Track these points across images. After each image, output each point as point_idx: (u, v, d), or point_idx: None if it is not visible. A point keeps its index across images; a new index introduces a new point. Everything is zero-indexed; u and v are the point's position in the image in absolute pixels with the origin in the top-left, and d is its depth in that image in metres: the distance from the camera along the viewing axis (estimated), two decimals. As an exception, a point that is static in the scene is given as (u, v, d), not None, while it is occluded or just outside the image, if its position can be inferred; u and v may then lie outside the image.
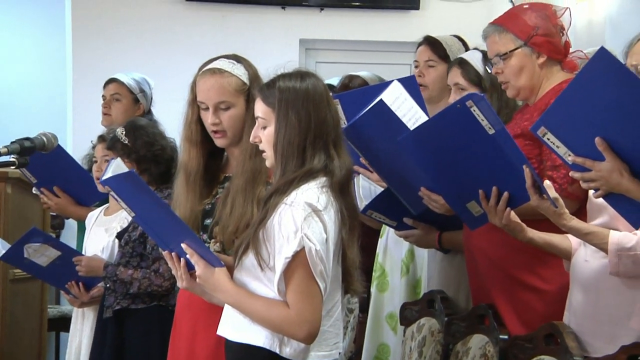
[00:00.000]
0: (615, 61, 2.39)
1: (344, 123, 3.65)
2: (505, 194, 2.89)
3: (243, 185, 2.97)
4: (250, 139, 2.78)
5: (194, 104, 3.14)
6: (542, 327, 2.99)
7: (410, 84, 3.53)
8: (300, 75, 2.71)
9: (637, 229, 2.67)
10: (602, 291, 2.86)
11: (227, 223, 2.95)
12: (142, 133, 4.07)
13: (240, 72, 3.11)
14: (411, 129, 3.06)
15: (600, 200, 2.62)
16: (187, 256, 2.70)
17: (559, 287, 3.09)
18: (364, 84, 4.70)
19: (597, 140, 2.46)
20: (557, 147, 2.55)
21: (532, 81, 3.30)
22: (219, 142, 3.13)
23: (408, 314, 3.75)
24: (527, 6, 3.36)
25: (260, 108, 2.72)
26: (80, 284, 4.16)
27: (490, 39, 3.34)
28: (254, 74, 3.12)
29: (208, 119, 3.09)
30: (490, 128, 2.77)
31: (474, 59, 3.69)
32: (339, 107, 3.61)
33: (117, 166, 3.34)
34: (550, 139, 2.54)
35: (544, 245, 3.01)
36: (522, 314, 3.23)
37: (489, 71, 3.44)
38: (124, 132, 4.07)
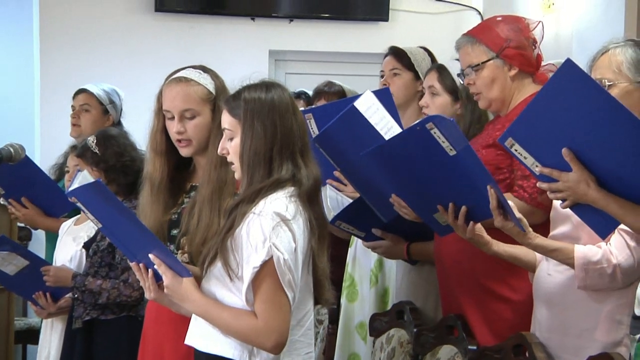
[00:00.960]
0: (581, 73, 2.41)
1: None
2: (463, 208, 2.88)
3: (209, 196, 2.96)
4: (218, 150, 2.78)
5: (160, 114, 3.13)
6: (511, 338, 3.00)
7: (385, 96, 3.56)
8: (266, 85, 2.72)
9: (604, 239, 2.69)
10: (567, 304, 2.88)
11: (194, 234, 2.95)
12: (113, 143, 4.06)
13: (206, 81, 3.11)
14: (384, 137, 3.07)
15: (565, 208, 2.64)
16: (155, 267, 2.69)
17: (529, 297, 3.10)
18: (341, 90, 4.75)
19: (564, 151, 2.48)
20: (525, 158, 2.56)
21: (503, 93, 3.32)
22: (183, 151, 3.12)
23: (377, 325, 3.76)
24: (500, 19, 3.39)
25: (226, 120, 2.72)
26: (48, 294, 4.13)
27: (462, 50, 3.37)
28: (220, 85, 3.12)
29: (173, 127, 3.09)
30: (451, 149, 2.77)
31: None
32: (312, 121, 3.63)
33: (84, 177, 3.33)
34: (518, 150, 2.56)
35: (508, 258, 3.03)
36: (491, 323, 3.25)
37: (462, 82, 3.46)
38: (94, 141, 4.06)
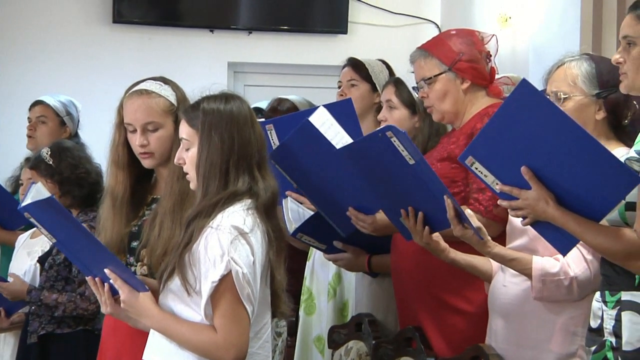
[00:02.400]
0: (536, 92, 2.44)
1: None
2: (420, 214, 2.92)
3: (171, 208, 2.95)
4: (175, 160, 2.77)
5: (121, 127, 3.12)
6: (468, 350, 3.02)
7: (347, 107, 3.58)
8: (225, 97, 2.71)
9: (564, 255, 2.72)
10: (522, 315, 2.91)
11: (155, 246, 2.93)
12: (68, 155, 4.03)
13: (167, 93, 3.10)
14: None
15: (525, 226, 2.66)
16: (111, 281, 2.67)
17: (484, 308, 3.12)
18: (293, 107, 4.73)
19: (522, 169, 2.50)
20: (485, 176, 2.59)
21: (456, 106, 3.35)
22: (146, 162, 3.10)
23: (336, 337, 3.75)
24: (454, 32, 3.42)
25: (184, 130, 2.71)
26: (1, 309, 4.09)
27: (416, 64, 3.39)
28: (181, 96, 3.11)
29: (136, 140, 3.07)
30: (410, 158, 2.80)
31: (412, 81, 3.74)
32: (273, 132, 3.63)
33: (37, 192, 3.29)
34: (478, 168, 2.58)
35: (466, 266, 3.05)
36: (447, 335, 3.26)
37: (416, 95, 3.48)
38: (49, 153, 4.03)
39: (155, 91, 3.08)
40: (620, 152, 2.67)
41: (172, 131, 3.06)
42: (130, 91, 3.11)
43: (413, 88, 3.54)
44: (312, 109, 3.92)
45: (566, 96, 2.80)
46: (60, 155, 4.02)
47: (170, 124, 3.08)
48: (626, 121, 2.80)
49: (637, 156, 2.45)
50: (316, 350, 4.06)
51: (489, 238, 2.84)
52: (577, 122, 2.45)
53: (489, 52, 3.38)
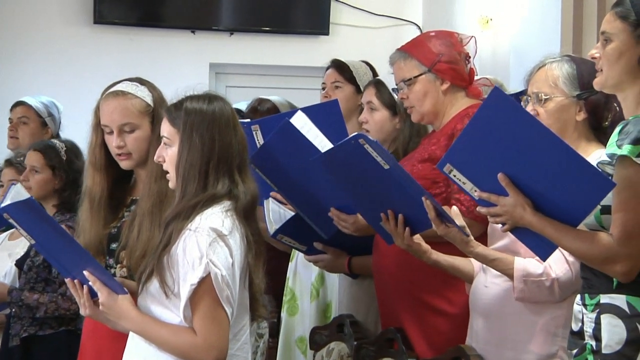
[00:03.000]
0: (508, 100, 2.46)
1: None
2: (400, 217, 2.93)
3: (150, 209, 2.94)
4: (155, 158, 2.76)
5: (98, 128, 3.11)
6: (450, 351, 3.03)
7: (333, 108, 3.59)
8: (209, 98, 2.70)
9: (544, 261, 2.73)
10: (503, 316, 2.91)
11: (134, 247, 2.92)
12: (80, 160, 4.04)
13: (144, 93, 3.09)
14: (322, 151, 3.09)
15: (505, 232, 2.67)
16: (90, 283, 2.67)
17: (465, 309, 3.12)
18: (273, 107, 4.73)
19: (499, 176, 2.51)
20: (464, 183, 2.60)
21: (435, 106, 3.36)
22: (123, 164, 3.09)
23: (317, 339, 3.75)
24: (433, 34, 3.43)
25: (165, 128, 2.71)
26: (-18, 311, 4.08)
27: (396, 65, 3.41)
28: (158, 96, 3.10)
29: (112, 142, 3.06)
30: (385, 163, 2.81)
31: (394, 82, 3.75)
32: (259, 133, 3.63)
33: (17, 193, 3.29)
34: (457, 175, 2.59)
35: (448, 267, 3.05)
36: (429, 336, 3.27)
37: (396, 97, 3.49)
38: (64, 148, 4.04)
39: (131, 92, 3.07)
40: (600, 154, 2.68)
41: (149, 132, 3.05)
42: (107, 92, 3.10)
43: (393, 89, 3.55)
44: (295, 110, 3.93)
45: (547, 97, 2.81)
46: (74, 154, 4.04)
47: (146, 125, 3.07)
48: (606, 123, 2.82)
49: (609, 159, 2.46)
50: (299, 351, 4.06)
51: (472, 238, 2.85)
52: (549, 129, 2.48)
53: (468, 53, 3.40)
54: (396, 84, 3.43)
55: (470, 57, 3.40)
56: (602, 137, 2.83)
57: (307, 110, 3.73)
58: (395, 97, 3.65)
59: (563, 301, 2.81)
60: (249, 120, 4.02)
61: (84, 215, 3.11)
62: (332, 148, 2.99)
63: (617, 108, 2.78)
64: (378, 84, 3.81)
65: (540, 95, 2.82)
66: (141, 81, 3.14)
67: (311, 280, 4.03)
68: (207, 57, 7.07)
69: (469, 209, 3.11)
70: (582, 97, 2.80)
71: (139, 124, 3.05)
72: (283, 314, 4.12)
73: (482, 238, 3.05)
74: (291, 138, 3.10)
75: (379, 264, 3.41)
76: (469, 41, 3.40)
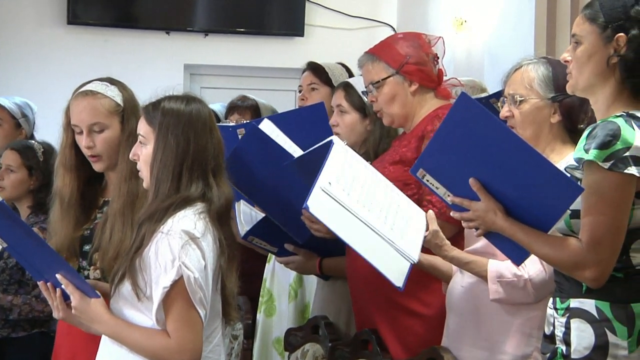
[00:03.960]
0: (476, 105, 2.46)
1: None
2: None
3: (121, 209, 2.93)
4: (130, 155, 2.75)
5: (68, 128, 3.10)
6: (425, 352, 3.03)
7: (319, 110, 3.60)
8: (187, 99, 2.70)
9: (518, 266, 2.74)
10: (479, 317, 2.92)
11: (106, 249, 2.91)
12: (54, 160, 4.04)
13: (113, 93, 3.08)
14: (294, 155, 3.09)
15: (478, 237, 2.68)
16: (63, 286, 2.66)
17: (440, 311, 3.13)
18: (255, 105, 4.76)
19: (471, 181, 2.52)
20: (437, 188, 2.60)
21: (405, 109, 3.37)
22: (96, 166, 3.08)
23: (292, 340, 3.75)
24: (401, 35, 3.45)
25: (142, 126, 2.70)
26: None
27: (364, 68, 3.41)
28: (128, 97, 3.10)
29: (83, 142, 3.06)
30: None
31: (359, 84, 3.74)
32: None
33: None
34: (430, 180, 2.60)
35: (428, 267, 3.06)
36: (404, 338, 3.27)
37: (366, 99, 3.50)
38: (41, 150, 4.02)
39: (100, 92, 3.07)
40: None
41: (119, 132, 3.05)
42: (76, 92, 3.09)
43: (362, 92, 3.55)
44: (285, 113, 3.97)
45: (522, 99, 2.83)
46: (51, 157, 4.04)
47: (116, 125, 3.06)
48: (581, 126, 2.83)
49: (576, 164, 2.47)
50: (275, 353, 4.06)
51: (447, 242, 2.86)
52: (517, 134, 2.49)
53: (436, 54, 3.41)
54: (365, 87, 3.44)
55: (438, 58, 3.41)
56: (578, 139, 2.84)
57: (293, 114, 3.77)
58: (365, 99, 3.65)
59: (539, 302, 2.83)
60: (234, 123, 4.03)
61: (55, 216, 3.10)
62: (306, 152, 2.99)
63: (591, 109, 2.80)
64: (347, 87, 3.80)
65: (515, 96, 2.84)
66: (112, 81, 3.13)
67: (289, 281, 4.03)
68: (182, 58, 7.06)
69: (440, 211, 3.11)
70: (557, 99, 2.81)
71: (108, 123, 3.05)
72: (260, 315, 4.11)
73: (458, 238, 3.06)
74: (261, 143, 3.10)
75: (353, 265, 3.41)
76: (437, 42, 3.41)
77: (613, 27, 2.48)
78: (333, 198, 2.60)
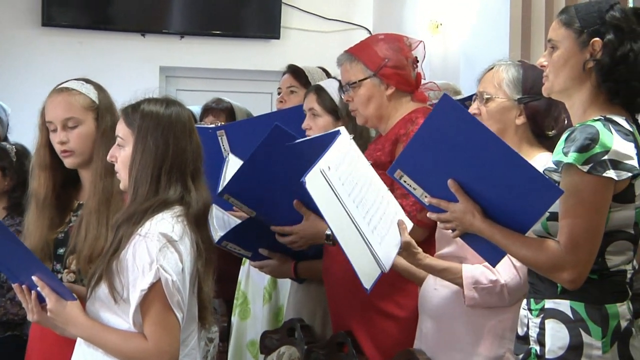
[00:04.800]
0: (457, 107, 2.48)
1: (227, 154, 3.65)
2: None
3: (96, 207, 2.93)
4: (107, 156, 2.75)
5: (43, 128, 3.10)
6: (400, 354, 3.04)
7: (298, 113, 3.67)
8: (166, 102, 2.70)
9: (494, 267, 2.75)
10: (452, 319, 2.94)
11: (82, 248, 2.91)
12: (28, 160, 4.02)
13: (88, 91, 3.08)
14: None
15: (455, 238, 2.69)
16: (38, 289, 2.64)
17: (414, 313, 3.14)
18: (230, 107, 4.76)
19: (449, 182, 2.53)
20: (414, 189, 2.61)
21: (379, 111, 3.37)
22: (67, 161, 3.07)
23: (268, 343, 3.75)
24: (381, 37, 3.44)
25: (120, 128, 2.69)
26: None
27: (342, 67, 3.42)
28: (104, 96, 3.10)
29: (56, 138, 3.05)
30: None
31: (331, 87, 3.75)
32: (224, 138, 3.62)
33: None
34: (407, 181, 2.60)
35: (402, 270, 3.06)
36: (379, 340, 3.27)
37: (342, 98, 3.50)
38: (14, 150, 4.05)
39: (76, 89, 3.08)
40: (543, 158, 2.72)
41: (93, 129, 3.05)
42: (52, 91, 3.10)
43: (339, 90, 3.55)
44: (266, 115, 3.96)
45: (489, 96, 2.87)
46: (24, 158, 4.02)
47: (90, 121, 3.06)
48: (550, 133, 2.86)
49: (555, 167, 2.49)
50: (250, 355, 4.06)
51: (420, 250, 2.87)
52: (498, 136, 2.50)
53: (415, 58, 3.41)
54: (342, 86, 3.44)
55: (417, 62, 3.41)
56: (546, 144, 2.87)
57: (279, 114, 3.75)
58: (337, 101, 3.66)
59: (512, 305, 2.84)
60: (213, 126, 4.02)
61: (30, 217, 3.09)
62: (314, 137, 3.01)
63: (566, 120, 2.82)
64: (319, 90, 3.79)
65: (484, 94, 2.89)
66: (87, 81, 3.14)
67: (264, 284, 4.03)
68: (158, 61, 7.04)
69: (411, 214, 3.12)
70: (523, 101, 2.85)
71: (82, 119, 3.05)
72: (234, 318, 4.11)
73: (427, 243, 3.07)
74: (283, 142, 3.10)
75: (328, 268, 3.41)
76: (417, 46, 3.41)
77: (589, 32, 2.52)
78: (328, 183, 2.60)
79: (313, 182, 2.56)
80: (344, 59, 3.42)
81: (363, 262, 2.67)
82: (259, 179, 3.23)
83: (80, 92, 3.06)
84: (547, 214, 2.47)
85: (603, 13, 2.52)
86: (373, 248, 2.67)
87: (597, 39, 2.51)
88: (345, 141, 2.82)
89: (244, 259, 4.08)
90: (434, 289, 3.00)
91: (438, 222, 2.64)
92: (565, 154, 2.44)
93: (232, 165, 3.57)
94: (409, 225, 2.88)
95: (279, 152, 3.08)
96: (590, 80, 2.53)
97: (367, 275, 2.68)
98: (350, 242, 2.65)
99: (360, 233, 2.65)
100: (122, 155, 2.68)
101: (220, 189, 3.38)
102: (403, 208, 3.12)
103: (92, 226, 2.90)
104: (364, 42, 3.49)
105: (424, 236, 3.11)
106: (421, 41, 3.44)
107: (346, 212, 2.63)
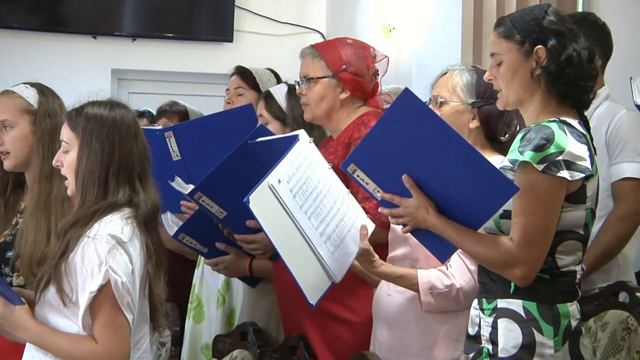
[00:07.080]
0: (418, 102, 2.49)
1: (176, 155, 3.63)
2: None
3: (33, 210, 2.94)
4: (53, 161, 2.73)
5: None
6: (353, 358, 3.05)
7: (248, 113, 3.59)
8: (110, 104, 2.69)
9: (443, 263, 2.77)
10: (406, 324, 2.95)
11: (22, 251, 2.90)
12: None
13: (29, 94, 3.10)
14: None
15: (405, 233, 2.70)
16: (-14, 294, 2.62)
17: (368, 318, 3.15)
18: (184, 110, 4.75)
19: (404, 177, 2.55)
20: (367, 183, 2.62)
21: (330, 112, 3.39)
22: (5, 163, 3.11)
23: (221, 346, 3.74)
24: (350, 41, 3.47)
25: (65, 132, 2.68)
26: None
27: (304, 60, 3.44)
28: (46, 100, 3.10)
29: None
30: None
31: (279, 93, 3.76)
32: (172, 140, 3.61)
33: None
34: (360, 175, 2.61)
35: (358, 272, 3.07)
36: (332, 344, 3.28)
37: (285, 109, 3.52)
38: None
39: (16, 92, 3.11)
40: (496, 160, 2.74)
41: (28, 132, 3.08)
42: None
43: (295, 81, 3.55)
44: (215, 114, 3.95)
45: (443, 100, 2.91)
46: None
47: (24, 124, 3.09)
48: (502, 138, 2.90)
49: (511, 165, 2.52)
50: (204, 358, 4.05)
51: (376, 257, 2.87)
52: (458, 132, 2.51)
53: (377, 70, 3.43)
54: (299, 77, 3.45)
55: (378, 74, 3.43)
56: (499, 148, 2.90)
57: (223, 115, 3.74)
58: (285, 108, 3.67)
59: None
60: (160, 127, 4.00)
61: None
62: (272, 138, 3.02)
63: (518, 126, 2.86)
64: (267, 97, 3.80)
65: (438, 98, 2.92)
66: (32, 84, 3.16)
67: (218, 287, 4.02)
68: (109, 63, 6.98)
69: (374, 217, 3.13)
70: (476, 105, 2.89)
71: (15, 121, 3.08)
72: (188, 321, 4.09)
73: (386, 246, 3.08)
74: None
75: (280, 271, 3.40)
76: (382, 59, 3.45)
77: (530, 40, 2.56)
78: (277, 197, 2.60)
79: (258, 200, 2.56)
80: (307, 52, 3.44)
81: (311, 276, 2.68)
82: (232, 179, 3.22)
83: (20, 96, 3.08)
84: (500, 211, 2.50)
85: (540, 20, 2.56)
86: (324, 260, 2.68)
87: (540, 46, 2.55)
88: (303, 146, 2.82)
89: (198, 261, 4.07)
90: (388, 295, 3.01)
91: (389, 218, 2.65)
92: (521, 152, 2.47)
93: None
94: (371, 229, 2.89)
95: (250, 153, 3.09)
96: (540, 86, 2.57)
97: (314, 289, 2.68)
98: (297, 257, 2.65)
99: (310, 246, 2.66)
100: (67, 159, 2.66)
101: (186, 191, 3.34)
102: (366, 211, 3.13)
103: (31, 229, 2.92)
104: (331, 41, 3.52)
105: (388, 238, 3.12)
106: (386, 57, 3.47)
107: (295, 226, 2.64)
